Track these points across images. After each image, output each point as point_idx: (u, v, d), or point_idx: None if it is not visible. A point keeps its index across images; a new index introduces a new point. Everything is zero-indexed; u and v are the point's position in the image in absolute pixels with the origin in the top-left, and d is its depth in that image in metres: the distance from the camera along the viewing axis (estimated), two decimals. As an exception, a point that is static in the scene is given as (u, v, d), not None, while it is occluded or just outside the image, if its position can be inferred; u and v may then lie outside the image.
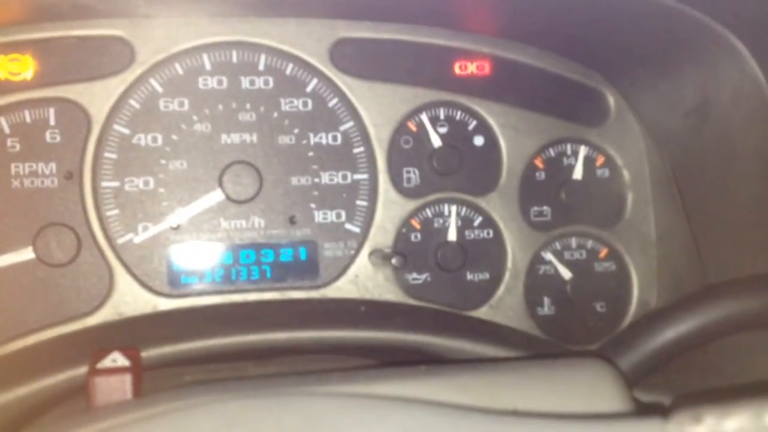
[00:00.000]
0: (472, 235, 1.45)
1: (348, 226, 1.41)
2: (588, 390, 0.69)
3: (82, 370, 1.03)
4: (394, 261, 1.36)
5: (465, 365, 0.78)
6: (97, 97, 1.31)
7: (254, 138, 1.38)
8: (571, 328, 1.46)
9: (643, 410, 0.66)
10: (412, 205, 1.43)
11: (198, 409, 0.68)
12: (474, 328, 1.32)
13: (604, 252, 1.49)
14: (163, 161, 1.35)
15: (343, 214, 1.42)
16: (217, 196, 1.36)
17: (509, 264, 1.45)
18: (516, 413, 0.63)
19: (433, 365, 0.80)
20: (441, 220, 1.45)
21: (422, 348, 1.19)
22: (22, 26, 1.28)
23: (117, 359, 0.85)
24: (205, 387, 0.75)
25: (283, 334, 1.16)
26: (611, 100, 1.50)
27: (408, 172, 1.44)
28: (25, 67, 1.29)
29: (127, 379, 0.83)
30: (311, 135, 1.40)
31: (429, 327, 1.21)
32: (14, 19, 1.26)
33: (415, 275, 1.43)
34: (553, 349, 1.34)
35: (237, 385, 0.77)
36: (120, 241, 1.33)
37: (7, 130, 1.28)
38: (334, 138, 1.41)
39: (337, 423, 0.60)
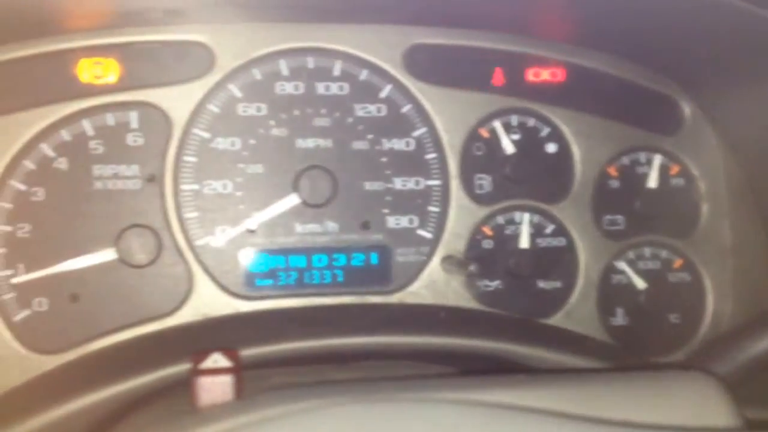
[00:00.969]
0: (545, 243, 1.46)
1: (420, 231, 1.44)
2: (696, 404, 0.70)
3: (174, 369, 1.08)
4: (472, 267, 1.38)
5: (563, 375, 0.80)
6: (179, 102, 1.35)
7: (329, 143, 1.41)
8: (645, 338, 1.47)
9: (754, 427, 0.67)
10: (484, 211, 1.44)
11: (318, 413, 0.70)
12: (553, 336, 1.33)
13: (678, 262, 1.49)
14: (240, 165, 1.38)
15: (416, 219, 1.44)
16: (292, 200, 1.39)
17: (582, 273, 1.46)
18: (628, 424, 0.64)
19: (530, 374, 0.81)
20: (513, 228, 1.46)
21: (500, 355, 1.20)
22: (107, 30, 1.32)
23: (218, 360, 0.88)
24: (318, 390, 0.78)
25: (364, 339, 1.18)
26: (687, 109, 1.50)
27: (480, 178, 1.45)
28: (109, 71, 1.33)
29: (230, 380, 0.86)
30: (384, 140, 1.43)
31: (508, 334, 1.22)
32: (101, 24, 1.30)
33: (486, 282, 1.45)
34: (630, 359, 1.34)
35: (345, 389, 0.79)
36: (199, 243, 1.36)
37: (90, 132, 1.33)
38: (407, 144, 1.44)
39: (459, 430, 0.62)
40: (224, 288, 1.37)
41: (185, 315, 1.34)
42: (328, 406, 0.72)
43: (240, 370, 0.88)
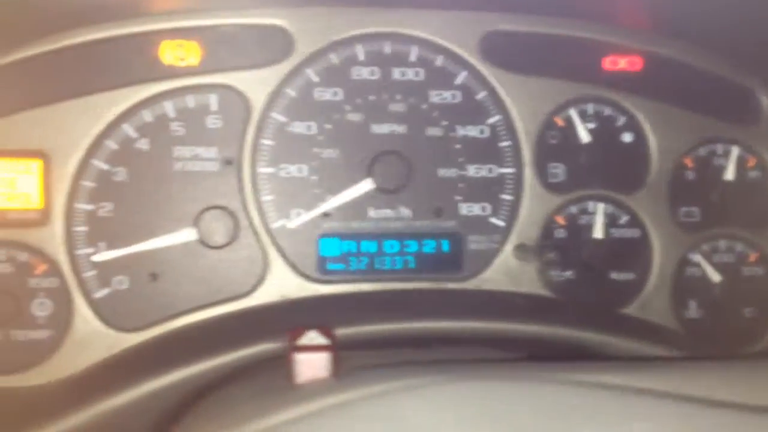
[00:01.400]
0: (618, 234, 1.46)
1: (493, 219, 1.44)
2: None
3: (255, 349, 1.10)
4: (551, 255, 1.38)
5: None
6: (257, 85, 1.36)
7: (403, 129, 1.41)
8: (718, 331, 1.45)
9: None
10: (557, 200, 1.44)
11: (422, 390, 0.71)
12: (629, 326, 1.32)
13: (754, 256, 1.47)
14: (316, 149, 1.39)
15: (488, 207, 1.44)
16: (366, 185, 1.40)
17: (656, 264, 1.45)
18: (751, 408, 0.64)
19: (631, 360, 0.81)
20: (586, 218, 1.46)
21: (577, 343, 1.20)
22: (189, 13, 1.34)
23: (315, 337, 0.89)
24: (419, 369, 0.78)
25: (440, 323, 1.19)
26: (766, 101, 1.48)
27: (554, 167, 1.45)
28: (191, 53, 1.35)
29: (327, 357, 0.88)
30: (459, 127, 1.43)
31: (585, 322, 1.22)
32: (184, 6, 1.32)
33: (558, 271, 1.45)
34: (707, 351, 1.33)
35: (445, 369, 0.80)
36: (274, 225, 1.38)
37: (172, 114, 1.35)
38: (481, 131, 1.44)
39: (593, 413, 0.62)
40: (298, 270, 1.38)
41: (261, 296, 1.36)
42: (433, 383, 0.73)
43: (336, 347, 0.89)
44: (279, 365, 1.04)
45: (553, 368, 0.74)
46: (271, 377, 0.98)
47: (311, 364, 0.87)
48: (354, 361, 1.06)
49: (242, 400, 0.93)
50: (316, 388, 0.81)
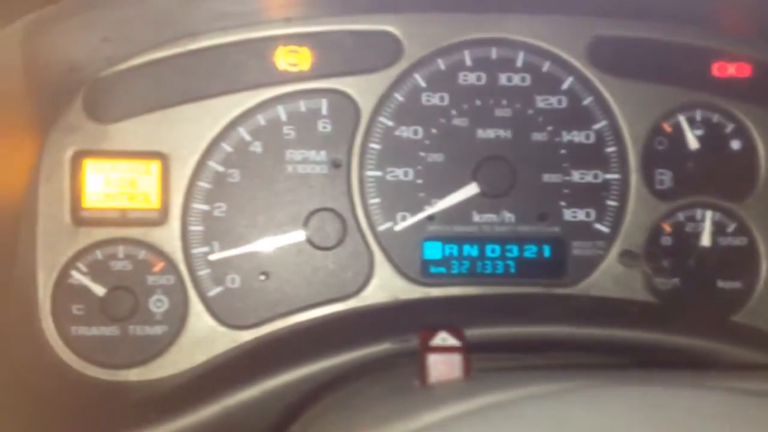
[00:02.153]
0: (726, 242, 1.44)
1: (597, 225, 1.44)
2: None
3: (368, 350, 1.12)
4: (660, 262, 1.38)
5: None
6: (367, 90, 1.40)
7: (509, 134, 1.43)
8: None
9: None
10: (663, 207, 1.43)
11: (567, 395, 0.72)
12: (742, 334, 1.31)
13: None
14: (422, 153, 1.42)
15: (593, 213, 1.44)
16: (471, 189, 1.41)
17: (763, 274, 1.43)
18: None
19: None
20: (693, 225, 1.45)
21: (686, 350, 1.19)
22: (302, 20, 1.38)
23: (446, 338, 0.91)
24: (555, 374, 0.79)
25: (548, 329, 1.20)
26: None
27: (661, 173, 1.44)
28: (302, 59, 1.39)
29: (459, 358, 0.89)
30: (564, 132, 1.43)
31: (697, 329, 1.21)
32: (298, 13, 1.36)
33: (663, 279, 1.44)
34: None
35: (581, 374, 0.81)
36: (380, 228, 1.41)
37: (284, 117, 1.39)
38: (587, 136, 1.44)
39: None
40: (402, 273, 1.41)
41: (367, 297, 1.39)
42: (577, 389, 0.74)
43: (466, 349, 0.90)
44: (399, 365, 1.07)
45: (694, 376, 0.75)
46: (396, 377, 1.00)
47: (444, 365, 0.89)
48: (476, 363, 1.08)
49: (371, 400, 0.95)
50: (452, 390, 0.82)
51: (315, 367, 1.12)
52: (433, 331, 0.93)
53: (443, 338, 0.92)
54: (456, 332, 0.92)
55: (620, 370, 0.96)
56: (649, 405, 0.63)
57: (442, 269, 1.43)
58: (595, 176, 1.44)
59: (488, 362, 1.15)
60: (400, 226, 1.41)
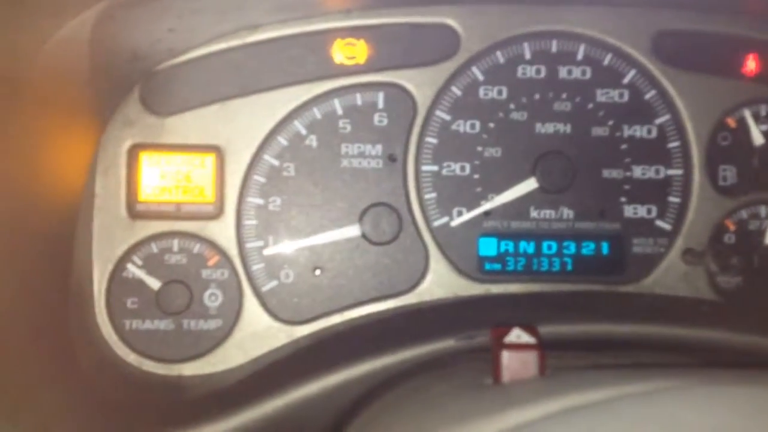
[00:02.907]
0: (791, 241, 1.40)
1: (659, 222, 1.41)
2: None
3: (427, 348, 1.10)
4: (725, 260, 1.34)
5: None
6: (424, 84, 1.38)
7: (568, 128, 1.40)
8: None
9: None
10: (728, 204, 1.40)
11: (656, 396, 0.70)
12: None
13: None
14: (479, 148, 1.40)
15: (654, 210, 1.41)
16: (530, 184, 1.39)
17: (830, 273, 1.39)
18: None
19: None
20: (757, 222, 1.41)
21: (755, 350, 1.16)
22: (359, 12, 1.37)
23: (521, 335, 0.89)
24: (639, 373, 0.77)
25: (612, 327, 1.17)
26: None
27: (725, 170, 1.41)
28: (359, 52, 1.38)
29: (534, 356, 0.88)
30: (625, 127, 1.41)
31: (762, 327, 1.18)
32: (355, 5, 1.35)
33: (727, 278, 1.40)
34: None
35: (664, 373, 0.79)
36: (436, 224, 1.39)
37: (340, 111, 1.38)
38: (649, 131, 1.41)
39: None
40: (458, 269, 1.39)
41: (421, 293, 1.37)
42: (678, 388, 0.72)
43: (542, 346, 0.89)
44: (460, 362, 1.05)
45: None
46: (463, 375, 0.99)
47: (518, 363, 0.87)
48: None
49: (440, 398, 0.93)
50: (539, 389, 0.80)
51: (377, 363, 1.10)
52: (507, 328, 0.91)
53: (517, 335, 0.90)
54: (530, 329, 0.91)
55: (699, 370, 0.93)
56: (757, 406, 0.61)
57: (498, 266, 1.41)
58: (657, 172, 1.41)
59: (555, 360, 1.14)
60: (456, 222, 1.40)
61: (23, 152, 1.03)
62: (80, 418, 1.12)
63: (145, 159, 1.33)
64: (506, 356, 0.88)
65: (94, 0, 0.92)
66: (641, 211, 1.41)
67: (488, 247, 1.41)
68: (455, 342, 1.09)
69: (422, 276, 1.38)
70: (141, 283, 1.32)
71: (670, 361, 1.13)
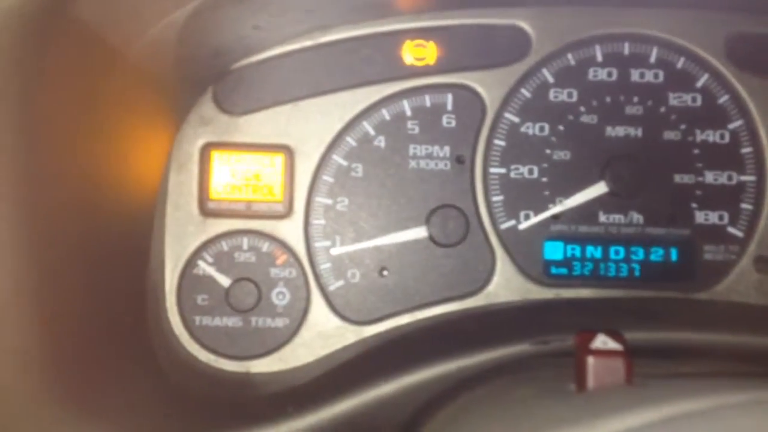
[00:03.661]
0: None
1: (730, 229, 1.40)
2: None
3: (498, 352, 1.11)
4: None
5: None
6: (493, 85, 1.39)
7: (639, 132, 1.40)
8: None
9: None
10: (802, 212, 1.39)
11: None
12: None
13: None
14: (548, 151, 1.40)
15: (726, 216, 1.40)
16: (599, 188, 1.39)
17: None
18: None
19: None
20: (832, 231, 1.39)
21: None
22: (429, 13, 1.38)
23: (607, 341, 0.90)
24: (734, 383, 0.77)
25: (695, 335, 1.17)
26: None
27: (799, 176, 1.40)
28: (428, 53, 1.39)
29: (621, 363, 0.88)
30: (698, 132, 1.40)
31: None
32: (426, 7, 1.36)
33: (801, 287, 1.39)
34: None
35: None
36: (503, 226, 1.40)
37: (408, 112, 1.39)
38: (722, 136, 1.41)
39: None
40: (524, 272, 1.40)
41: (487, 296, 1.38)
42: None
43: (630, 354, 0.89)
44: (544, 365, 1.06)
45: None
46: (543, 380, 1.00)
47: (605, 370, 0.88)
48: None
49: (521, 403, 0.94)
50: (632, 397, 0.81)
51: (452, 365, 1.12)
52: (592, 333, 0.91)
53: (603, 341, 0.90)
54: (616, 336, 0.91)
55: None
56: None
57: (564, 270, 1.41)
58: (729, 178, 1.40)
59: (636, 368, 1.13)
60: (523, 225, 1.40)
61: (104, 148, 1.06)
62: (156, 414, 1.15)
63: (217, 157, 1.36)
64: (592, 362, 0.88)
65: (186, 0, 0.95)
66: (713, 217, 1.40)
67: (554, 251, 1.41)
68: (530, 346, 1.10)
69: (488, 279, 1.39)
70: (211, 280, 1.35)
71: (748, 371, 1.13)
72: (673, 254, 1.41)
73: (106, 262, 1.09)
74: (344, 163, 1.38)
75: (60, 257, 0.91)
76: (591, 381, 0.88)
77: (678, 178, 1.40)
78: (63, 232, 0.92)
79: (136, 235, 1.22)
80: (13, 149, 0.82)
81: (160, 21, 0.96)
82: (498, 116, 1.39)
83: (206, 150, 1.35)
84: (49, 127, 0.86)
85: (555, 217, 1.41)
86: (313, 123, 1.37)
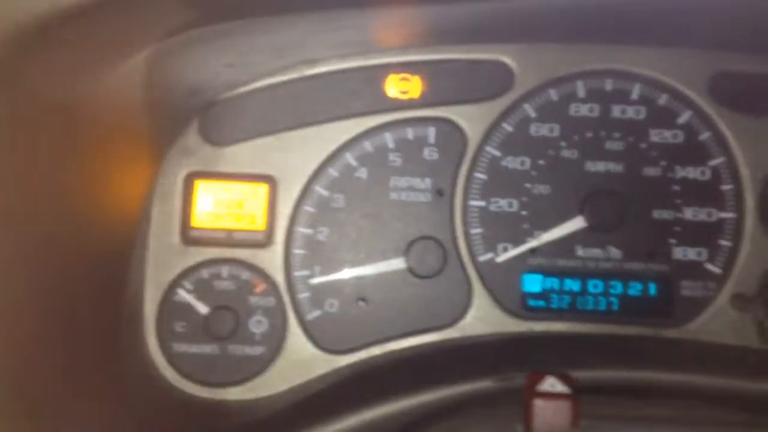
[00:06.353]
0: None
1: (708, 266, 1.49)
2: None
3: (467, 387, 1.21)
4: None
5: None
6: (475, 119, 1.49)
7: (619, 167, 1.50)
8: None
9: None
10: (781, 251, 1.47)
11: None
12: None
13: None
14: (527, 185, 1.50)
15: (705, 252, 1.49)
16: (577, 222, 1.49)
17: None
18: None
19: None
20: (811, 271, 1.48)
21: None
22: (415, 48, 1.48)
23: (555, 384, 1.00)
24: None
25: (662, 374, 1.26)
26: None
27: (779, 215, 1.48)
28: (413, 87, 1.50)
29: (567, 406, 0.98)
30: (678, 168, 1.50)
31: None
32: (411, 41, 1.47)
33: (778, 326, 1.48)
34: None
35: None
36: (481, 259, 1.50)
37: (391, 144, 1.50)
38: (703, 173, 1.50)
39: None
40: (500, 305, 1.49)
41: (463, 328, 1.48)
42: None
43: (578, 396, 0.99)
44: (499, 404, 1.16)
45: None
46: (498, 418, 1.09)
47: (551, 413, 0.98)
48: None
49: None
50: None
51: (414, 400, 1.22)
52: (542, 375, 1.01)
53: (551, 384, 1.00)
54: (566, 378, 1.01)
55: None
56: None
57: (542, 303, 1.51)
58: (709, 215, 1.49)
59: (592, 407, 1.23)
60: (501, 258, 1.50)
61: (83, 178, 1.17)
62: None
63: (201, 187, 1.47)
64: (539, 405, 0.98)
65: (153, 38, 1.05)
66: (691, 253, 1.49)
67: (532, 283, 1.51)
68: (493, 383, 1.20)
69: (465, 310, 1.49)
70: (190, 308, 1.46)
71: (711, 415, 1.21)
72: (652, 289, 1.50)
73: (81, 284, 1.19)
74: (326, 193, 1.49)
75: (28, 285, 1.01)
76: (537, 423, 0.98)
77: (657, 213, 1.49)
78: (35, 261, 1.02)
79: (113, 261, 1.33)
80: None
81: (114, 71, 1.06)
82: (479, 150, 1.49)
83: (190, 179, 1.46)
84: (21, 168, 0.97)
85: (533, 251, 1.50)
86: (296, 154, 1.48)
